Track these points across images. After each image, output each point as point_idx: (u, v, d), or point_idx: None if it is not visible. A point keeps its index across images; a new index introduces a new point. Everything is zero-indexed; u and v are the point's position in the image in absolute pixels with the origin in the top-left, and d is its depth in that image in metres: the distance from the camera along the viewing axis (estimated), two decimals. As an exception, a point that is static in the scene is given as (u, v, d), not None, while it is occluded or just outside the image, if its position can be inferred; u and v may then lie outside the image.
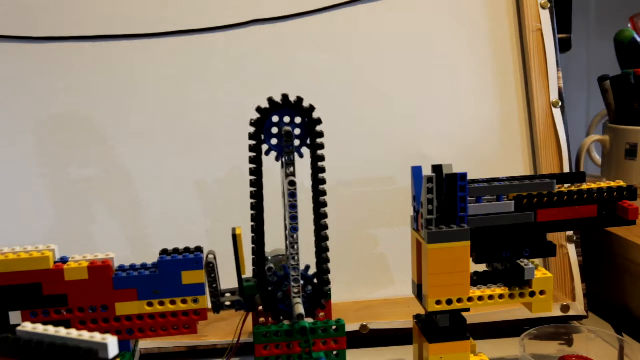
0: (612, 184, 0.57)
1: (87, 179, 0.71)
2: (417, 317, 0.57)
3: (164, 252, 0.54)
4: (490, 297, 0.54)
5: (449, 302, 0.52)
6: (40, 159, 0.71)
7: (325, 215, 0.55)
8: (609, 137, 0.87)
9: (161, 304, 0.53)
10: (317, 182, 0.54)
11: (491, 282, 0.56)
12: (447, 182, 0.51)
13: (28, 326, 0.34)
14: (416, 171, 0.53)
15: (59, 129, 0.72)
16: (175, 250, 0.55)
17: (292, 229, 0.53)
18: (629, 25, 0.94)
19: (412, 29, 0.76)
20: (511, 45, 0.77)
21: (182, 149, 0.72)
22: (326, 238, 0.55)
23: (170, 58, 0.73)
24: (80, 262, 0.52)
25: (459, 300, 0.52)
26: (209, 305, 0.55)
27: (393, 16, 0.75)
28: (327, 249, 0.55)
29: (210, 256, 0.54)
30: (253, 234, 0.55)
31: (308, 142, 0.54)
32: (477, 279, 0.56)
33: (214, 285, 0.55)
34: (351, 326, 0.66)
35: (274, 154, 0.54)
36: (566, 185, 0.57)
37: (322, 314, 0.58)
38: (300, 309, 0.53)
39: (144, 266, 0.54)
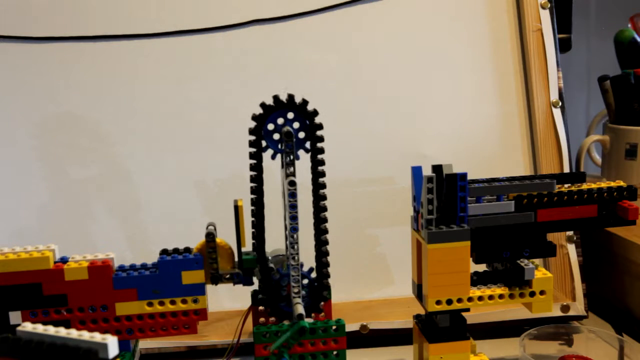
0: (612, 184, 0.57)
1: (87, 179, 0.71)
2: (417, 317, 0.57)
3: (164, 252, 0.55)
4: (490, 297, 0.54)
5: (449, 302, 0.52)
6: (41, 158, 0.71)
7: (325, 220, 0.55)
8: (609, 137, 0.87)
9: (161, 304, 0.53)
10: (318, 186, 0.54)
11: (491, 282, 0.56)
12: (447, 182, 0.51)
13: (28, 326, 0.34)
14: (416, 171, 0.53)
15: (59, 129, 0.72)
16: (175, 250, 0.55)
17: (292, 229, 0.53)
18: (629, 25, 0.94)
19: (412, 29, 0.76)
20: (511, 46, 0.77)
21: (182, 149, 0.72)
22: (326, 242, 0.55)
23: (170, 58, 0.73)
24: (80, 262, 0.52)
25: (459, 300, 0.52)
26: (209, 306, 0.55)
27: (393, 16, 0.75)
28: (327, 253, 0.55)
29: (211, 227, 0.54)
30: (253, 207, 0.54)
31: (308, 145, 0.54)
32: (477, 279, 0.56)
33: (214, 257, 0.54)
34: (351, 326, 0.66)
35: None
36: (566, 185, 0.57)
37: (322, 314, 0.58)
38: (300, 309, 0.53)
39: (144, 266, 0.54)
